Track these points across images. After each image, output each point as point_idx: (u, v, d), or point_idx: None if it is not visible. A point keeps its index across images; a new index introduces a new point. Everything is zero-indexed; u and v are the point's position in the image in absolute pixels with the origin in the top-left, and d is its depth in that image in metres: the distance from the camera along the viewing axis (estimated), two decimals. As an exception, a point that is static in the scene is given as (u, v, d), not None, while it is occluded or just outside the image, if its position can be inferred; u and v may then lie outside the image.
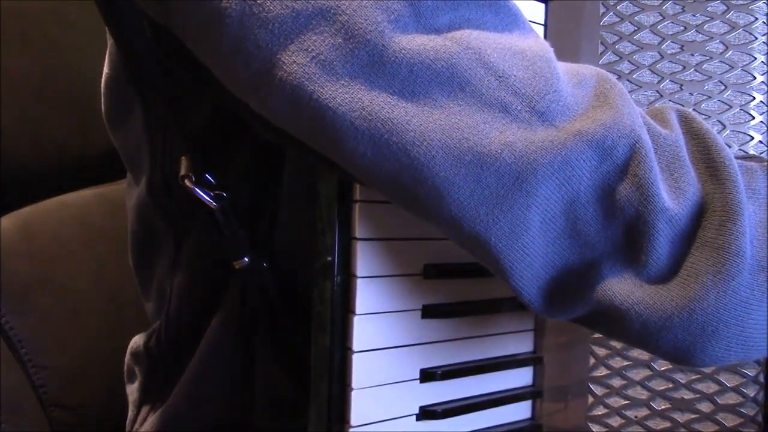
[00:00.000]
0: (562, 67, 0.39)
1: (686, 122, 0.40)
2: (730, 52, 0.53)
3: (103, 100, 0.56)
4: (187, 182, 0.48)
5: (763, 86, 0.53)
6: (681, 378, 0.53)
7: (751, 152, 0.53)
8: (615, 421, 0.53)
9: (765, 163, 0.41)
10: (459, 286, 0.48)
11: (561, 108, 0.37)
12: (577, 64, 0.40)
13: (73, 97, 0.82)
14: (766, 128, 0.53)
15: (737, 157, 0.40)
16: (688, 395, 0.53)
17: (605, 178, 0.37)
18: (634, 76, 0.53)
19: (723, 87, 0.53)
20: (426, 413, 0.47)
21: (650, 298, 0.37)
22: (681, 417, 0.53)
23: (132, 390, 0.60)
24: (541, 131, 0.36)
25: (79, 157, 0.84)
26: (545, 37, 0.50)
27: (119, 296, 0.80)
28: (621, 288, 0.38)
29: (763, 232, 0.38)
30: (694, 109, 0.52)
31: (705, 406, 0.53)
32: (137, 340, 0.59)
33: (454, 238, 0.39)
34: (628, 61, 0.53)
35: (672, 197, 0.37)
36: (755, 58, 0.53)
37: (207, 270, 0.53)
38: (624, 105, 0.37)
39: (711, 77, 0.53)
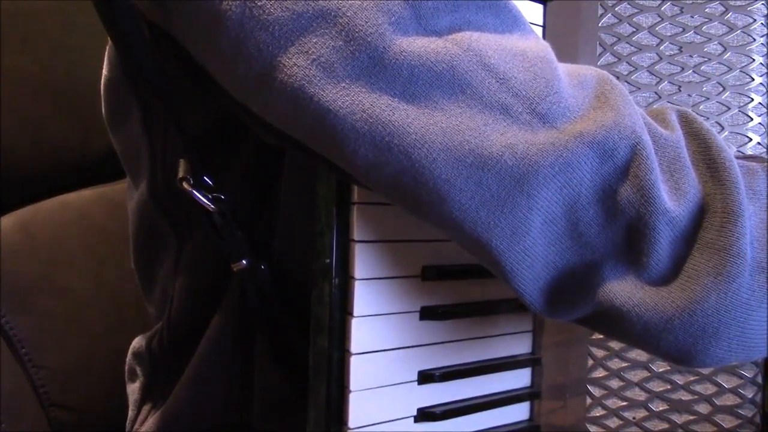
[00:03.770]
0: (563, 68, 0.39)
1: (687, 123, 0.40)
2: (729, 53, 0.53)
3: (102, 102, 0.56)
4: (185, 185, 0.48)
5: (762, 88, 0.53)
6: (679, 379, 0.53)
7: (748, 154, 0.53)
8: (613, 423, 0.53)
9: (766, 164, 0.41)
10: (457, 287, 0.48)
11: (562, 109, 0.37)
12: (577, 65, 0.40)
13: (73, 97, 0.82)
14: (764, 130, 0.53)
15: (738, 158, 0.40)
16: (686, 396, 0.53)
17: (606, 180, 0.37)
18: (632, 77, 0.53)
19: (721, 88, 0.53)
20: (424, 415, 0.47)
21: (651, 300, 0.38)
22: (679, 418, 0.53)
23: (133, 390, 0.60)
24: (542, 133, 0.36)
25: (79, 157, 0.84)
26: (543, 38, 0.50)
27: (119, 296, 0.80)
28: (622, 289, 0.38)
29: (763, 233, 0.38)
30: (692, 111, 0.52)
31: (703, 408, 0.53)
32: (139, 341, 0.59)
33: (456, 239, 0.39)
34: (627, 62, 0.53)
35: (673, 198, 0.37)
36: (754, 60, 0.53)
37: (208, 271, 0.53)
38: (625, 106, 0.38)
39: (709, 78, 0.53)
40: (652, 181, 0.37)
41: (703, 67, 0.53)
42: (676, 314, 0.37)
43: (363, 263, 0.43)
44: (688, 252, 0.38)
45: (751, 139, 0.53)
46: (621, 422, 0.53)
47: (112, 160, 0.59)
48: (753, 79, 0.53)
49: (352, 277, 0.43)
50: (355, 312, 0.43)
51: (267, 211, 0.51)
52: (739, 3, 0.52)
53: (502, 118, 0.36)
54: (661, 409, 0.53)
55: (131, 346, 0.60)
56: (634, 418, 0.53)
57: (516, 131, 0.36)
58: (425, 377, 0.47)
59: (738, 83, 0.53)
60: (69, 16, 0.82)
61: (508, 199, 0.36)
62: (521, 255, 0.37)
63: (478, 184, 0.36)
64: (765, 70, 0.53)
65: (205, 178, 0.49)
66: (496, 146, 0.36)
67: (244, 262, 0.49)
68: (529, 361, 0.53)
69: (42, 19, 0.80)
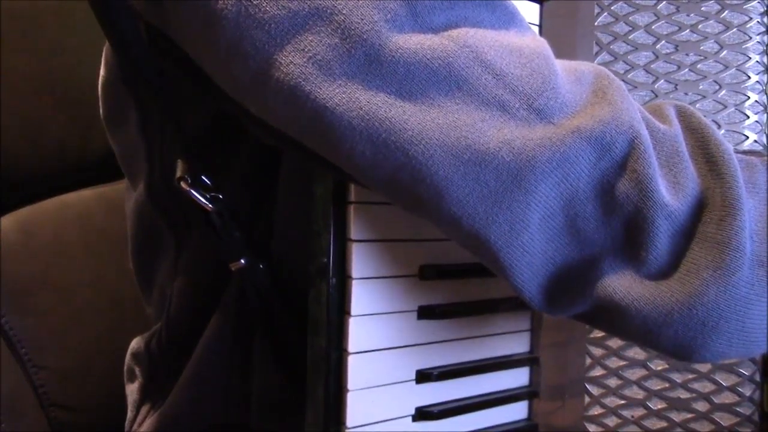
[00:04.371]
0: (560, 64, 0.39)
1: (685, 117, 0.40)
2: (725, 51, 0.53)
3: (100, 102, 0.56)
4: (183, 184, 0.48)
5: (758, 86, 0.53)
6: (677, 378, 0.53)
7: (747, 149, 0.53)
8: (611, 421, 0.53)
9: (765, 158, 0.41)
10: (455, 286, 0.48)
11: (559, 105, 0.37)
12: (574, 61, 0.40)
13: (73, 97, 0.82)
14: (761, 127, 0.53)
15: (737, 152, 0.40)
16: (684, 395, 0.53)
17: (604, 175, 0.37)
18: (629, 76, 0.53)
19: (718, 87, 0.53)
20: (422, 414, 0.47)
21: (650, 294, 0.37)
22: (677, 416, 0.53)
23: (132, 390, 0.60)
24: (540, 128, 0.36)
25: (79, 157, 0.85)
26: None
27: (119, 296, 0.80)
28: (621, 284, 0.38)
29: (763, 227, 0.38)
30: (689, 106, 0.52)
31: (701, 406, 0.53)
32: (138, 341, 0.59)
33: (454, 236, 0.39)
34: (623, 61, 0.53)
35: (671, 193, 0.37)
36: (750, 58, 0.53)
37: (207, 271, 0.53)
38: (622, 101, 0.38)
39: (706, 77, 0.53)
40: (651, 176, 0.37)
41: (699, 66, 0.53)
42: (675, 308, 0.37)
43: (360, 263, 0.43)
44: (687, 246, 0.38)
45: (747, 137, 0.53)
46: (620, 421, 0.53)
47: (112, 160, 0.59)
48: (749, 77, 0.53)
49: (350, 277, 0.43)
50: (353, 311, 0.43)
51: (266, 211, 0.51)
52: (735, 1, 0.53)
53: (499, 114, 0.36)
54: (659, 407, 0.53)
55: (130, 347, 0.60)
56: (632, 416, 0.53)
57: (513, 127, 0.36)
58: (423, 376, 0.47)
59: (734, 81, 0.53)
60: (69, 16, 0.82)
61: (505, 194, 0.36)
62: (520, 251, 0.37)
63: (476, 180, 0.36)
64: (761, 68, 0.53)
65: (203, 177, 0.49)
66: (494, 142, 0.36)
67: (242, 261, 0.49)
68: (527, 360, 0.53)
69: (42, 19, 0.80)
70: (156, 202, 0.54)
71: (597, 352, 0.53)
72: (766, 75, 0.53)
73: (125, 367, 0.61)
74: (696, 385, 0.53)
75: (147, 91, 0.49)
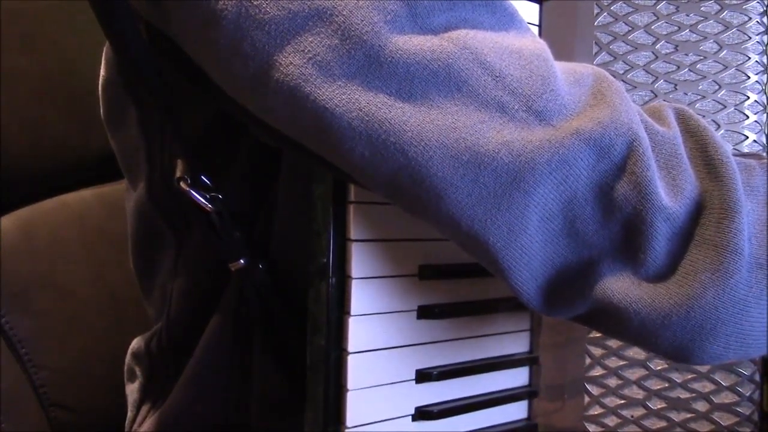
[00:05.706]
0: (559, 66, 0.39)
1: (684, 120, 0.40)
2: (724, 51, 0.53)
3: (101, 102, 0.56)
4: (182, 184, 0.48)
5: (758, 85, 0.53)
6: (677, 377, 0.53)
7: (746, 151, 0.53)
8: (611, 421, 0.53)
9: (764, 160, 0.41)
10: (454, 286, 0.48)
11: (558, 107, 0.37)
12: (574, 63, 0.40)
13: (73, 97, 0.82)
14: (760, 127, 0.53)
15: (736, 154, 0.40)
16: (684, 394, 0.53)
17: (603, 177, 0.37)
18: (628, 76, 0.53)
19: (717, 87, 0.53)
20: (422, 414, 0.47)
21: (648, 296, 0.38)
22: (677, 416, 0.53)
23: (132, 390, 0.60)
24: (539, 130, 0.36)
25: (79, 157, 0.85)
26: (540, 37, 0.50)
27: (119, 296, 0.80)
28: (619, 286, 0.38)
29: (761, 230, 0.39)
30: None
31: (701, 406, 0.53)
32: (138, 341, 0.59)
33: (453, 237, 0.39)
34: (623, 61, 0.53)
35: (670, 195, 0.38)
36: (749, 58, 0.53)
37: (207, 271, 0.53)
38: (621, 103, 0.38)
39: (705, 77, 0.53)
40: (649, 178, 0.37)
41: (698, 66, 0.53)
42: (673, 311, 0.37)
43: (360, 262, 0.43)
44: (685, 248, 0.38)
45: (747, 137, 0.53)
46: (619, 420, 0.53)
47: (112, 160, 0.59)
48: (749, 77, 0.53)
49: (349, 276, 0.43)
50: (353, 311, 0.43)
51: (265, 211, 0.51)
52: (734, 1, 0.53)
53: (498, 115, 0.36)
54: (659, 407, 0.53)
55: (130, 347, 0.60)
56: (632, 416, 0.53)
57: (512, 129, 0.36)
58: (422, 376, 0.47)
59: (734, 81, 0.53)
60: (69, 16, 0.82)
61: (504, 196, 0.36)
62: (518, 252, 0.37)
63: (475, 181, 0.36)
64: (760, 68, 0.53)
65: (203, 177, 0.49)
66: (493, 144, 0.36)
67: (242, 261, 0.49)
68: (527, 359, 0.53)
69: (42, 19, 0.80)
70: (156, 203, 0.54)
71: (596, 351, 0.53)
72: (765, 75, 0.53)
73: (125, 367, 0.61)
74: (695, 385, 0.53)
75: (147, 91, 0.49)
